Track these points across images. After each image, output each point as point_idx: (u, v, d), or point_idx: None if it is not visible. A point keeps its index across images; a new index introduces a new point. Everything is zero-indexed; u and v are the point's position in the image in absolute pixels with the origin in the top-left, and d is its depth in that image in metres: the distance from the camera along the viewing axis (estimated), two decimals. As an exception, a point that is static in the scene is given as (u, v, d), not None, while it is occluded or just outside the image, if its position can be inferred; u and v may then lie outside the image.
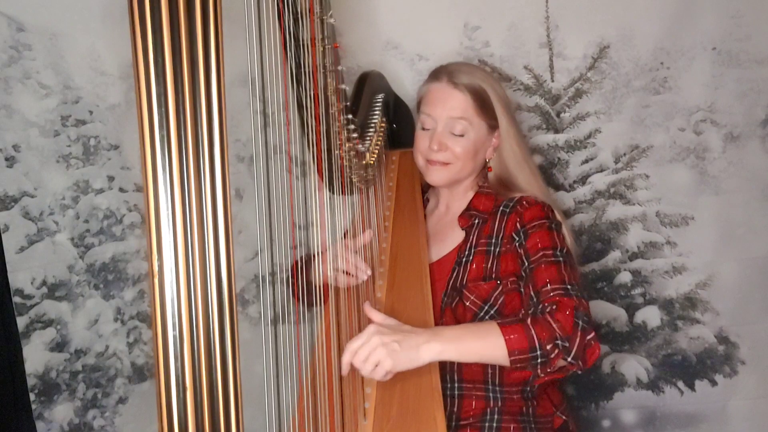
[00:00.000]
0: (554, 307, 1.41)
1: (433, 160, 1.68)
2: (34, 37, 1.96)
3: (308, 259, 1.67)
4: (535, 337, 1.36)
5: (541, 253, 1.53)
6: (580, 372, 1.43)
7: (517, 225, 1.60)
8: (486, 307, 1.61)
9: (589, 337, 1.39)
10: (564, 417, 1.68)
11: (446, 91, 1.67)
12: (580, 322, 1.39)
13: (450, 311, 1.64)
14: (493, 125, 1.69)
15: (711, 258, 2.19)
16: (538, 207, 1.61)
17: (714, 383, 2.23)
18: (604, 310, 2.22)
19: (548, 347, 1.36)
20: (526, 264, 1.54)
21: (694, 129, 2.16)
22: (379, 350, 1.32)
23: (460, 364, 1.60)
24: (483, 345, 1.38)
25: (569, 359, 1.38)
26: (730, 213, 2.17)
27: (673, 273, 2.20)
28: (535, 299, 1.47)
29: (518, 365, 1.38)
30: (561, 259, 1.51)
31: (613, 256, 2.20)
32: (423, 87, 1.75)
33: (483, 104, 1.67)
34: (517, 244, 1.58)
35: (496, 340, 1.36)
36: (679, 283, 2.21)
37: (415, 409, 1.43)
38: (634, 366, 2.22)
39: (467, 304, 1.61)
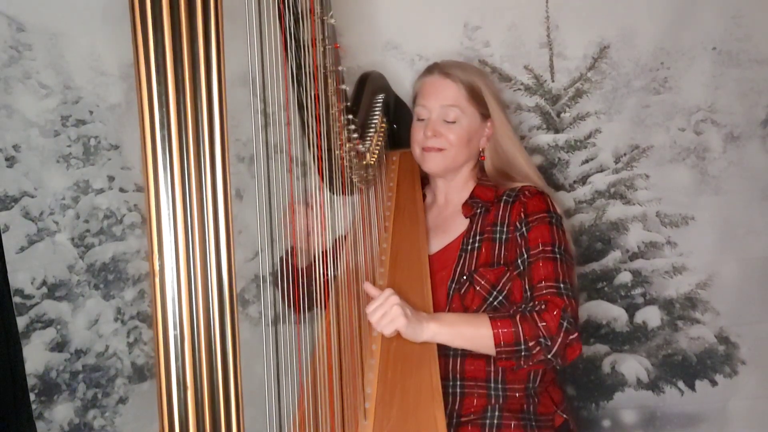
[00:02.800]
0: (543, 306, 1.52)
1: (428, 146, 1.73)
2: (34, 37, 1.96)
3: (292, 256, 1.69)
4: (521, 333, 1.49)
5: (540, 248, 1.61)
6: (559, 367, 1.58)
7: (522, 214, 1.65)
8: (495, 293, 1.63)
9: (571, 338, 1.52)
10: (565, 416, 1.69)
11: (438, 82, 1.75)
12: (565, 323, 1.51)
13: (458, 297, 1.65)
14: (485, 114, 1.75)
15: (711, 258, 2.19)
16: (540, 198, 1.67)
17: (714, 383, 2.23)
18: (604, 310, 2.22)
19: (531, 344, 1.49)
20: (525, 256, 1.62)
21: (694, 129, 2.16)
22: (396, 308, 1.45)
23: (462, 362, 1.62)
24: (473, 333, 1.52)
25: (549, 356, 1.50)
26: (730, 213, 2.17)
27: (673, 273, 2.20)
28: (529, 293, 1.58)
29: (503, 356, 1.50)
30: (558, 256, 1.60)
31: (614, 256, 2.20)
32: (417, 81, 1.82)
33: (474, 94, 1.74)
34: (518, 234, 1.64)
35: (486, 331, 1.50)
36: (680, 283, 2.21)
37: (415, 409, 1.43)
38: (634, 366, 2.22)
39: (477, 288, 1.63)
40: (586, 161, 2.18)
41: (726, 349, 2.22)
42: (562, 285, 1.56)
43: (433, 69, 1.79)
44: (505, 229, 1.67)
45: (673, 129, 2.16)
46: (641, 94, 2.14)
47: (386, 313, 1.46)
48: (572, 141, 2.17)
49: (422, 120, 1.76)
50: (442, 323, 1.52)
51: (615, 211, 2.19)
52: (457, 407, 1.63)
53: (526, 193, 1.68)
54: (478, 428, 1.61)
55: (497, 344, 1.49)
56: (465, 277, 1.66)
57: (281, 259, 1.64)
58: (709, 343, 2.22)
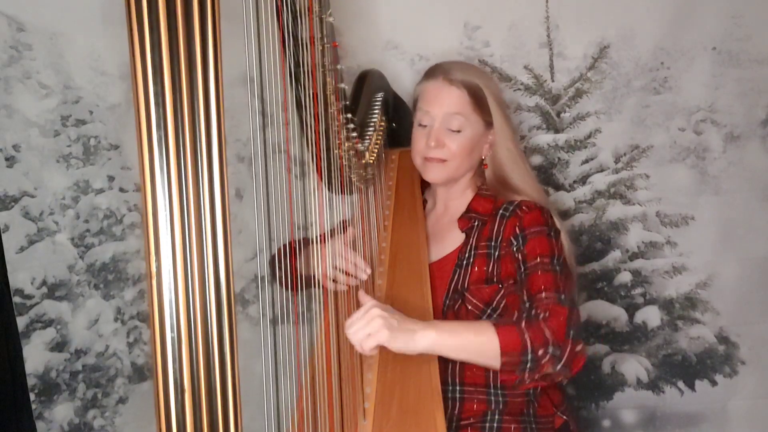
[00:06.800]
0: (547, 314, 1.43)
1: (431, 157, 1.69)
2: (34, 37, 1.96)
3: (299, 247, 1.65)
4: (528, 340, 1.38)
5: (538, 260, 1.55)
6: (564, 381, 1.47)
7: (516, 229, 1.60)
8: (488, 311, 1.61)
9: (578, 348, 1.42)
10: (564, 417, 1.68)
11: (442, 88, 1.68)
12: (572, 332, 1.41)
13: (452, 314, 1.64)
14: (488, 122, 1.70)
15: (711, 258, 2.19)
16: (537, 212, 1.62)
17: (714, 383, 2.23)
18: (604, 310, 2.22)
19: (540, 352, 1.38)
20: (523, 269, 1.56)
21: (694, 129, 2.16)
22: (377, 320, 1.34)
23: (462, 367, 1.60)
24: (477, 341, 1.41)
25: (558, 367, 1.40)
26: (730, 213, 2.17)
27: (673, 273, 2.20)
28: (528, 304, 1.50)
29: (508, 367, 1.40)
30: (557, 268, 1.54)
31: (613, 256, 2.20)
32: (419, 85, 1.75)
33: (478, 101, 1.68)
34: (514, 249, 1.59)
35: (490, 338, 1.39)
36: (679, 283, 2.20)
37: (414, 409, 1.43)
38: (634, 366, 2.22)
39: (470, 307, 1.62)
40: (586, 161, 2.18)
41: (726, 349, 2.22)
42: (563, 296, 1.48)
43: (436, 73, 1.71)
44: (497, 245, 1.62)
45: (673, 129, 2.16)
46: (641, 94, 2.14)
47: (365, 326, 1.34)
48: (572, 141, 2.17)
49: (424, 126, 1.70)
50: (440, 330, 1.39)
51: (615, 211, 2.19)
52: (456, 412, 1.62)
53: (524, 208, 1.62)
54: (478, 431, 1.60)
55: (504, 353, 1.37)
56: (457, 295, 1.64)
57: (279, 250, 1.62)
58: (709, 343, 2.22)
